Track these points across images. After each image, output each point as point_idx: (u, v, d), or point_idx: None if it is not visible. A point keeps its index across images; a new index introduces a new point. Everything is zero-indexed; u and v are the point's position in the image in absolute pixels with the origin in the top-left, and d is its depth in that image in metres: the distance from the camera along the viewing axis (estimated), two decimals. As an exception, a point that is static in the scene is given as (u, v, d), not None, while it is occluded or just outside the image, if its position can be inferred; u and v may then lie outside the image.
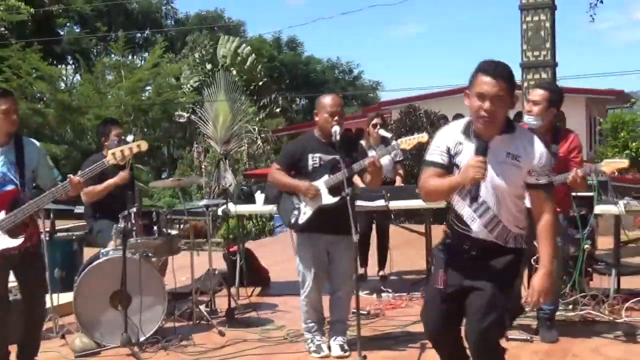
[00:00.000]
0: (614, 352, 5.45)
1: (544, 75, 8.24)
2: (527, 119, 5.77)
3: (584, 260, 6.40)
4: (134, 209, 5.94)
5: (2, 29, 29.77)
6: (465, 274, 3.63)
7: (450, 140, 3.67)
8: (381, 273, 8.33)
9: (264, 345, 5.82)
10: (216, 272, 6.95)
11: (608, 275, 6.99)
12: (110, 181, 6.27)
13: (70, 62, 40.33)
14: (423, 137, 5.56)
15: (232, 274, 7.64)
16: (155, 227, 6.04)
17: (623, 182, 7.49)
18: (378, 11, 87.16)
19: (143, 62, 36.18)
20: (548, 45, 8.23)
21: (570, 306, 6.49)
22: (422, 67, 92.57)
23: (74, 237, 6.58)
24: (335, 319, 5.60)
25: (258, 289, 7.90)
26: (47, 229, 6.37)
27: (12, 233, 4.60)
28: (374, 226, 8.30)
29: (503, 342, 5.10)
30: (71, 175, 4.72)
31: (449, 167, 3.64)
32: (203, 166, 24.02)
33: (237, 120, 24.49)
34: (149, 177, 26.81)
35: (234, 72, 28.06)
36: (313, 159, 5.48)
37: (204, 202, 6.73)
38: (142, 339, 5.77)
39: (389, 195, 7.37)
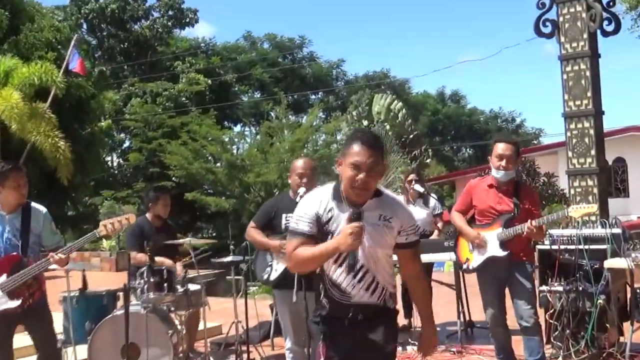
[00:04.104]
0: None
1: (586, 124, 7.58)
2: (499, 174, 5.46)
3: (596, 317, 5.82)
4: (145, 268, 6.07)
5: (184, 99, 31.67)
6: (350, 346, 3.36)
7: (319, 207, 3.38)
8: (424, 324, 7.90)
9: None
10: (240, 323, 6.89)
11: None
12: (162, 260, 6.45)
13: (254, 123, 42.36)
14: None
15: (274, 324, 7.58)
16: (165, 284, 6.09)
17: None
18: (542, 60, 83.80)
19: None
20: (589, 94, 7.58)
21: (585, 364, 5.86)
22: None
23: (104, 293, 6.79)
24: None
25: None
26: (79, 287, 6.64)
27: (12, 295, 4.72)
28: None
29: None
30: (53, 254, 4.73)
31: (317, 236, 3.35)
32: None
33: (391, 171, 24.57)
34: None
35: (387, 127, 28.12)
36: (286, 219, 5.38)
37: (229, 258, 6.73)
38: (149, 388, 5.81)
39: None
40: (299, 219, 3.39)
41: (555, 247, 6.15)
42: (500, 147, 5.47)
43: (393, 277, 3.47)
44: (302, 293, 4.74)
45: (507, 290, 5.56)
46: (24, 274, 4.71)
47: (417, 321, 7.87)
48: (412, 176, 7.84)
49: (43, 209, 5.03)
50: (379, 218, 3.34)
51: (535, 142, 49.75)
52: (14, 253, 4.79)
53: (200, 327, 7.10)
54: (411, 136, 29.11)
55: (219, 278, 14.50)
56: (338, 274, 3.36)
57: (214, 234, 34.70)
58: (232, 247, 6.78)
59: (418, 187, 7.68)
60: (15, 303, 4.71)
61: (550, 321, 6.11)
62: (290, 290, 5.17)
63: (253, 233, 5.52)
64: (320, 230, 3.36)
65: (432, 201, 7.88)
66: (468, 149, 52.92)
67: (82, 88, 20.44)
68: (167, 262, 6.61)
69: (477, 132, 50.15)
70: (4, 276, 4.72)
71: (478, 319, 7.66)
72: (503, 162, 5.42)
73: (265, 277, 5.45)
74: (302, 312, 5.28)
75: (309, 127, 28.40)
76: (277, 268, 5.37)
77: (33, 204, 5.03)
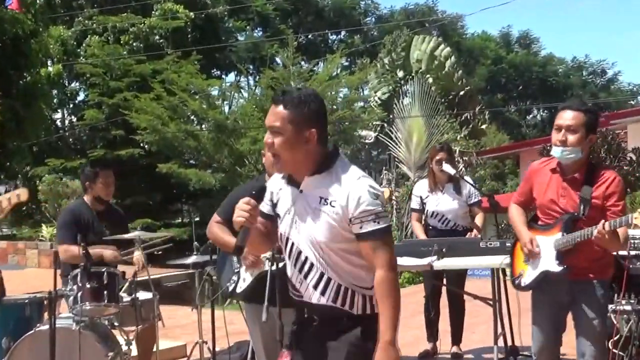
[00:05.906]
0: None
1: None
2: (557, 152, 5.20)
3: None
4: (79, 270, 6.17)
5: (157, 37, 31.58)
6: (309, 355, 3.65)
7: (274, 186, 3.81)
8: (454, 350, 8.01)
9: None
10: (206, 344, 7.01)
11: None
12: (96, 252, 6.60)
13: (252, 72, 42.32)
14: None
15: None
16: (105, 292, 6.19)
17: None
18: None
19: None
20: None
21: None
22: None
23: (26, 300, 6.87)
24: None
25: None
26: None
27: None
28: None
29: None
30: None
31: (272, 216, 3.79)
32: (394, 197, 23.49)
33: (434, 139, 24.46)
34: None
35: (430, 80, 27.96)
36: None
37: (192, 259, 6.82)
38: None
39: (444, 250, 7.10)
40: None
41: (623, 253, 6.13)
42: (560, 115, 5.19)
43: (364, 276, 3.55)
44: (275, 310, 4.81)
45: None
46: None
47: (443, 346, 8.02)
48: (440, 155, 7.87)
49: None
50: (319, 200, 3.55)
51: (633, 102, 49.35)
52: None
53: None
54: (462, 92, 29.06)
55: (193, 281, 14.50)
56: (288, 266, 3.72)
57: (196, 218, 34.86)
58: (195, 244, 6.88)
59: (448, 168, 7.73)
60: None
61: (614, 351, 6.11)
62: (262, 305, 5.28)
63: (215, 230, 5.56)
64: (274, 211, 3.79)
65: (467, 187, 7.93)
66: (541, 111, 52.69)
67: (19, 23, 20.45)
68: (107, 252, 6.77)
69: (553, 88, 49.85)
70: None
71: (525, 344, 7.70)
72: (560, 136, 5.12)
73: (231, 288, 5.54)
74: (276, 333, 5.40)
75: (327, 79, 28.31)
76: (245, 277, 5.47)
77: None
